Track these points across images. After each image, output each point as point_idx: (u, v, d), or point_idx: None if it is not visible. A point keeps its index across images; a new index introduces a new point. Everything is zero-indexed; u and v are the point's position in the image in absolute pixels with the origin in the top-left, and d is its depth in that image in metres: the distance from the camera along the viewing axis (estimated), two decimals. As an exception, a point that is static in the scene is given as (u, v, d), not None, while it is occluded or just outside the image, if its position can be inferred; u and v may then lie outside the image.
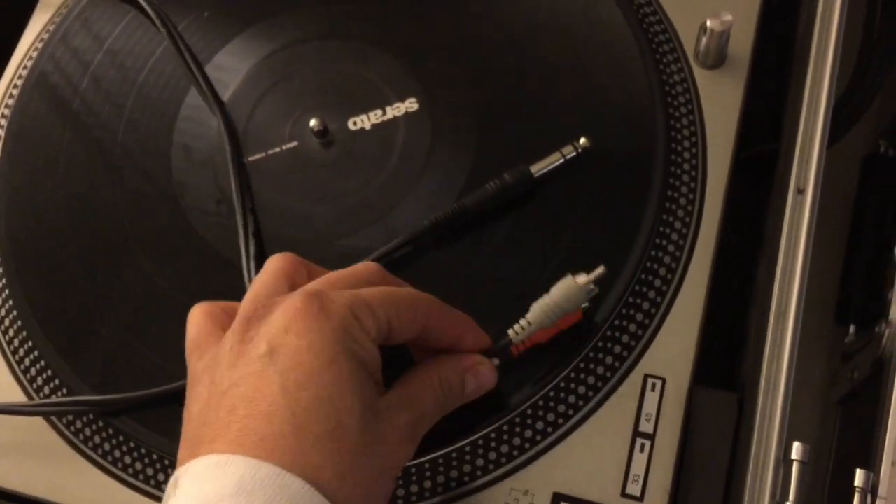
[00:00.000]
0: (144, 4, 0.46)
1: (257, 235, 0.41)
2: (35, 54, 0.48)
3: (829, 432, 0.43)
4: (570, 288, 0.35)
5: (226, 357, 0.31)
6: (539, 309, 0.36)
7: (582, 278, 0.36)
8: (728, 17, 0.41)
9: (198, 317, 0.34)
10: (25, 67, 0.48)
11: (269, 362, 0.30)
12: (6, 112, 0.47)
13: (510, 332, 0.36)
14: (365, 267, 0.35)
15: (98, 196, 0.44)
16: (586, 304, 0.36)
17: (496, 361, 0.35)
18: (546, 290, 0.36)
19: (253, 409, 0.29)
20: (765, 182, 0.44)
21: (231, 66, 0.46)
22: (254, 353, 0.30)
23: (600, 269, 0.36)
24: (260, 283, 0.34)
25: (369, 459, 0.30)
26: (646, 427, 0.37)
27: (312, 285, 0.33)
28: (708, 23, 0.41)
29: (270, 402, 0.29)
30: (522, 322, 0.36)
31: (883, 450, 0.34)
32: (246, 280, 0.39)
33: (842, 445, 0.41)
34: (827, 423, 0.44)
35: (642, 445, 0.36)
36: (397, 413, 0.31)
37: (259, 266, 0.39)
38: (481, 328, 0.35)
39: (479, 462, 0.37)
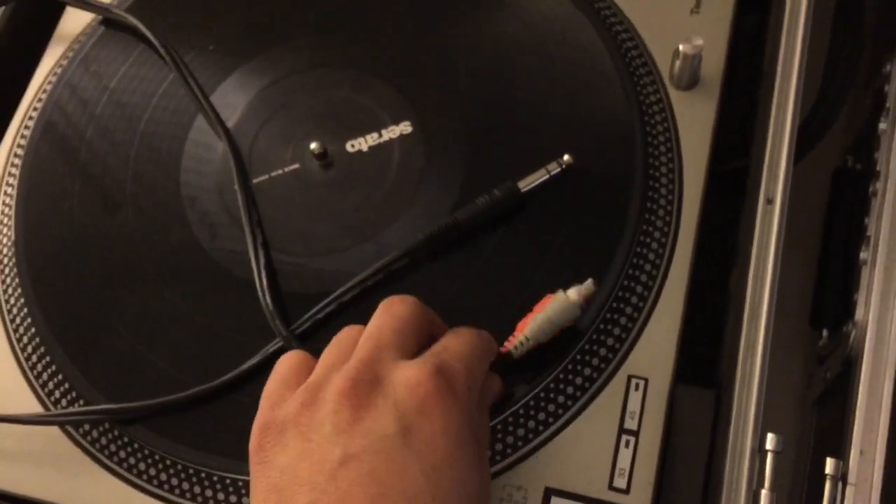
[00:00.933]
0: (150, 35, 0.49)
1: (265, 247, 0.43)
2: (44, 96, 0.51)
3: (808, 431, 0.46)
4: (563, 305, 0.38)
5: (329, 419, 0.31)
6: (536, 326, 0.39)
7: (574, 295, 0.38)
8: (699, 42, 0.44)
9: (292, 357, 0.35)
10: (36, 108, 0.50)
11: (403, 443, 0.30)
12: (19, 151, 0.49)
13: (511, 348, 0.39)
14: (416, 314, 0.35)
15: (112, 220, 0.46)
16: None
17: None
18: (534, 297, 0.39)
19: (388, 489, 0.30)
20: (737, 197, 0.47)
21: (233, 97, 0.49)
22: (378, 429, 0.31)
23: (589, 283, 0.39)
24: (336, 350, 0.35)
25: None
26: (630, 424, 0.39)
27: (431, 359, 0.33)
28: (681, 47, 0.44)
29: (411, 484, 0.30)
30: (521, 337, 0.39)
31: (851, 439, 0.36)
32: (258, 286, 0.42)
33: (818, 441, 0.43)
34: (806, 423, 0.46)
35: (627, 441, 0.39)
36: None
37: (269, 275, 0.42)
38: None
39: (475, 460, 0.39)
